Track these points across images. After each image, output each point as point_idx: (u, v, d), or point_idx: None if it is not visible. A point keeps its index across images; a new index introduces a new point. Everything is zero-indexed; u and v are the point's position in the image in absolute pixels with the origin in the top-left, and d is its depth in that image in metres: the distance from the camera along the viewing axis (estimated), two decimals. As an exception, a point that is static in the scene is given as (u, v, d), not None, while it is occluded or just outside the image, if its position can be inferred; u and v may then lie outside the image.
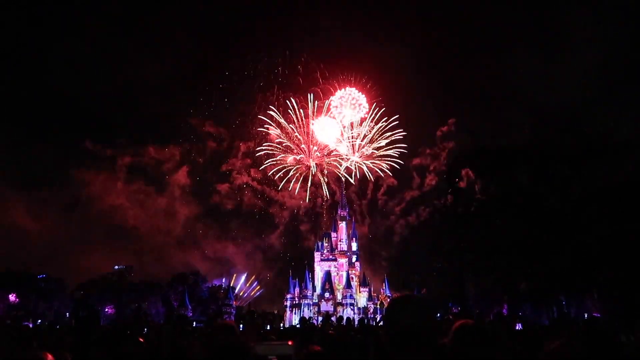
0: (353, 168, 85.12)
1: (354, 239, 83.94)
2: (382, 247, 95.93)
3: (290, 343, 2.79)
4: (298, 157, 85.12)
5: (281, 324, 66.94)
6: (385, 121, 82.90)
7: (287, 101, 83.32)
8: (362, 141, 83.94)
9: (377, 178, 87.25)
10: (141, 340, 8.09)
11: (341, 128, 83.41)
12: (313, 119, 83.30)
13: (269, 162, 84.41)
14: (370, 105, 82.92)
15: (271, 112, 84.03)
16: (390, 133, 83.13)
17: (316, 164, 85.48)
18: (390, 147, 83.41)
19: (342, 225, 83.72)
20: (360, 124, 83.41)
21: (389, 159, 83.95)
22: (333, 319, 48.46)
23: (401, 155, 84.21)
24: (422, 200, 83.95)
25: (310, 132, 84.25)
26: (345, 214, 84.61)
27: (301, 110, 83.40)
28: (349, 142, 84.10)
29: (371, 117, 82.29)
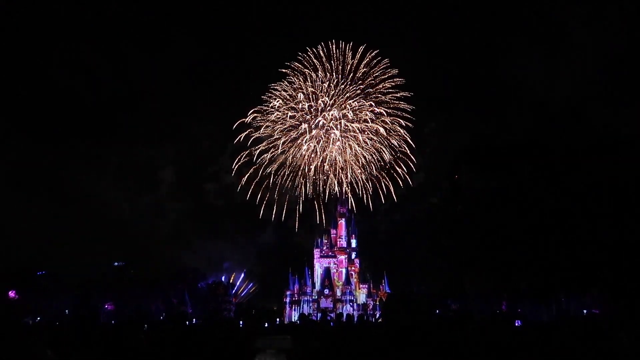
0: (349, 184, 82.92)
1: (353, 235, 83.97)
2: (382, 244, 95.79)
3: (288, 337, 2.80)
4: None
5: (277, 320, 66.98)
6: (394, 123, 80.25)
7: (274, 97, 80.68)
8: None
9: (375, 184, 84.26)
10: (142, 337, 8.09)
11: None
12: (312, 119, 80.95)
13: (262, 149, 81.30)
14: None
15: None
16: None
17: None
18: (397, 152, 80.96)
19: (342, 222, 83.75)
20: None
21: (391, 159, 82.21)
22: (332, 315, 48.50)
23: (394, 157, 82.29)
24: (415, 197, 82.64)
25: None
26: (344, 210, 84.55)
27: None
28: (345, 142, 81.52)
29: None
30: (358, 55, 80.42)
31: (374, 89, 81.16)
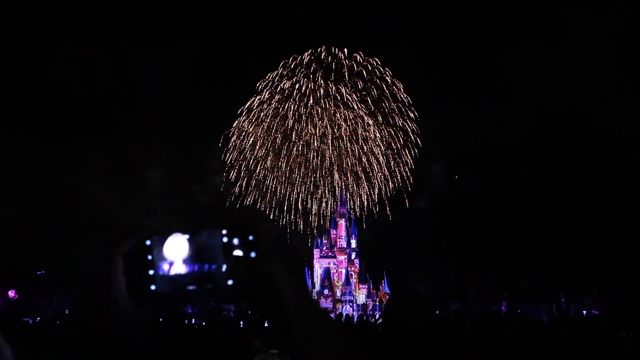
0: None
1: (353, 235, 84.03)
2: (381, 244, 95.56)
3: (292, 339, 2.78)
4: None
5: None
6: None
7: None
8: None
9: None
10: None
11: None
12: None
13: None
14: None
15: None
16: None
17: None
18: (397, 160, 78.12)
19: (342, 222, 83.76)
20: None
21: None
22: (332, 315, 48.47)
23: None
24: (415, 198, 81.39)
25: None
26: (344, 210, 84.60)
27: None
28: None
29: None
30: (353, 63, 76.20)
31: (372, 101, 77.63)
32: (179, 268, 1.04)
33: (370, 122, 77.15)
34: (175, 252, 1.03)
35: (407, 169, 77.77)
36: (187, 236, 1.05)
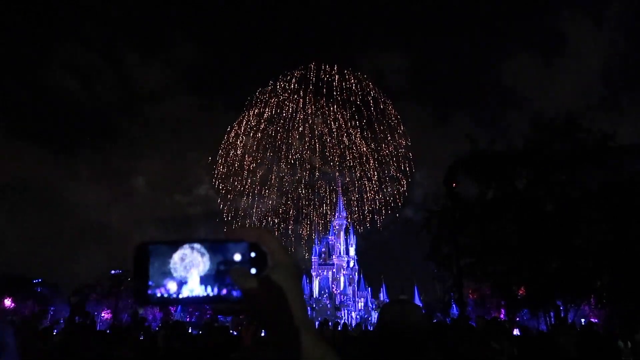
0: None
1: (352, 244, 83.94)
2: (380, 253, 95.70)
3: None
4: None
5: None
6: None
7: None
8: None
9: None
10: (136, 345, 8.05)
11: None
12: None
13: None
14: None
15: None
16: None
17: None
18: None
19: (341, 230, 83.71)
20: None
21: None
22: (330, 323, 48.17)
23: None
24: (413, 205, 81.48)
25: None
26: (343, 219, 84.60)
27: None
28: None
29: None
30: (343, 82, 75.35)
31: (362, 118, 77.18)
32: (195, 289, 0.85)
33: (360, 138, 77.73)
34: (188, 268, 0.84)
35: (399, 182, 78.34)
36: (203, 249, 0.86)
